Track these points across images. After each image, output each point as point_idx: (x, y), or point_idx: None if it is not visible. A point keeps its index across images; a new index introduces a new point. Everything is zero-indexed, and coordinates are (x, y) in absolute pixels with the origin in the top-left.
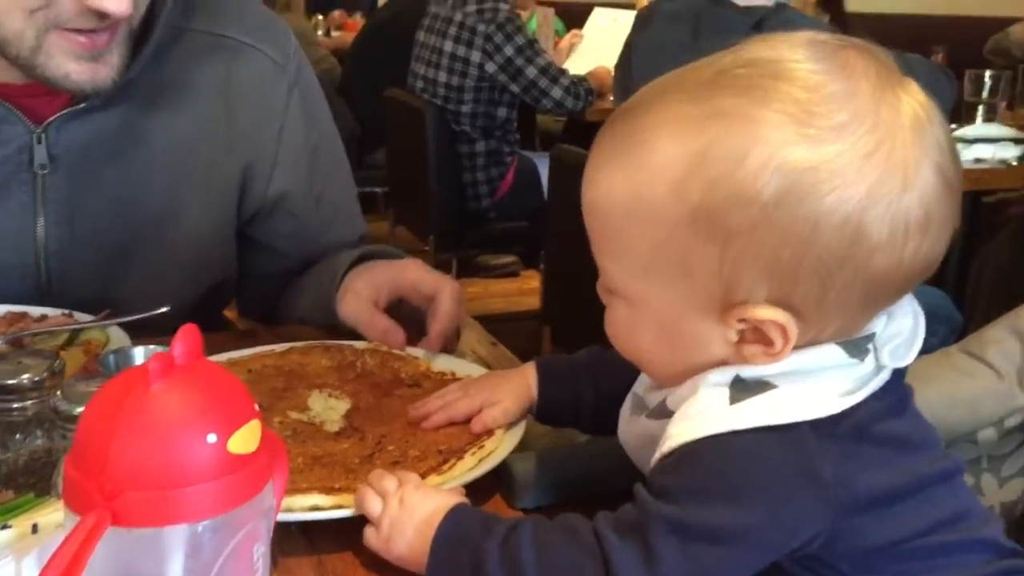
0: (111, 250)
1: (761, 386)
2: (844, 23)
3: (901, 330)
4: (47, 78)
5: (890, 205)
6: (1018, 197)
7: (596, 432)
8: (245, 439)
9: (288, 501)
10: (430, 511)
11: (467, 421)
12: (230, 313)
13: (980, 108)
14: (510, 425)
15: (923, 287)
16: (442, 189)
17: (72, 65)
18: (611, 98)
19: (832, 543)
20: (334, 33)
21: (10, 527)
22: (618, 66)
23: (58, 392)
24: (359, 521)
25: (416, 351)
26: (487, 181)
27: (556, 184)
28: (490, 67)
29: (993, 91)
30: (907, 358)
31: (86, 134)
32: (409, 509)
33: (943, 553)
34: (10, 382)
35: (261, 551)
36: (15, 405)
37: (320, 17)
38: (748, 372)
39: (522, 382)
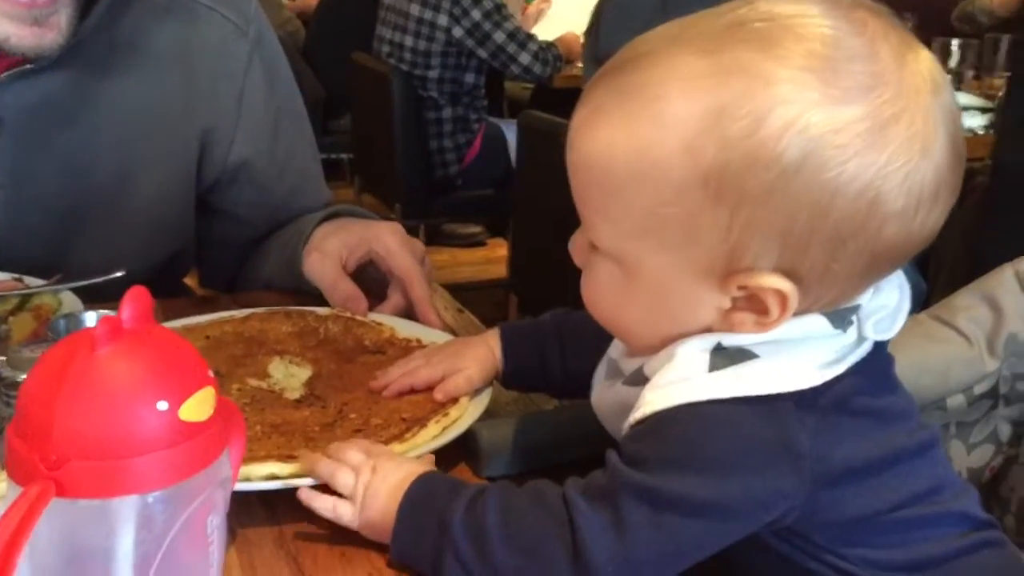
0: (62, 215)
1: (742, 355)
2: None
3: (887, 303)
4: None
5: (908, 175)
6: (983, 167)
7: (566, 394)
8: (198, 406)
9: (245, 470)
10: (403, 477)
11: (431, 389)
12: (191, 281)
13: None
14: (475, 393)
15: None
16: (408, 156)
17: (12, 28)
18: (580, 64)
19: (808, 516)
20: None
21: None
22: (587, 32)
23: (2, 358)
24: (319, 491)
25: (380, 317)
26: (454, 148)
27: (524, 151)
28: (457, 31)
29: (961, 60)
30: (890, 331)
31: (34, 95)
32: (382, 475)
33: (919, 526)
34: None
35: (216, 522)
36: None
37: None
38: (730, 340)
39: (486, 349)
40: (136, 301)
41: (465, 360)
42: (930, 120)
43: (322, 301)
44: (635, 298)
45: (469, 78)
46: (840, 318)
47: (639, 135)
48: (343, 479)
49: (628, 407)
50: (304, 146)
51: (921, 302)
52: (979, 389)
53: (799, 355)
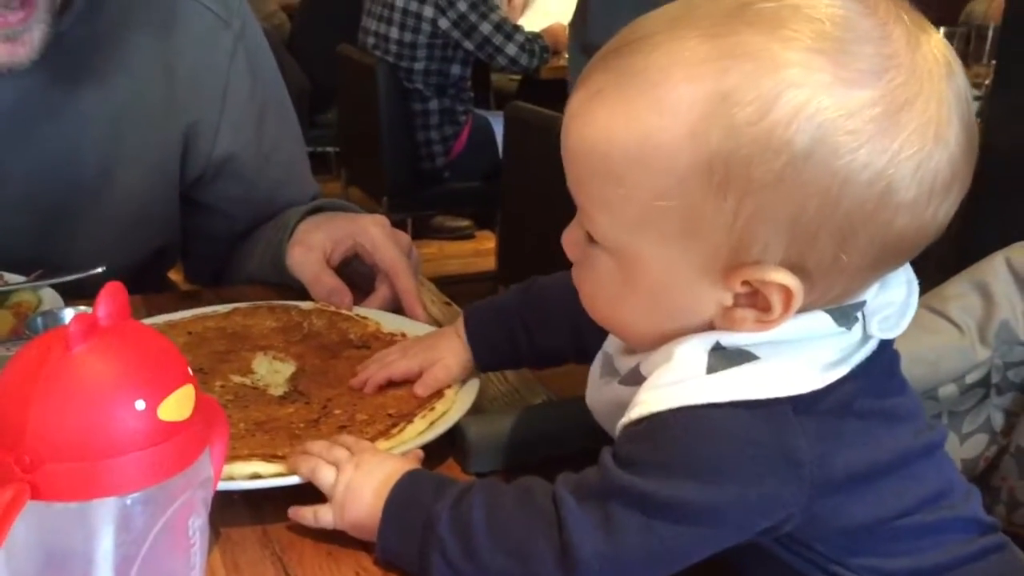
0: (45, 211)
1: (742, 356)
2: None
3: (893, 300)
4: None
5: (921, 163)
6: None
7: (542, 365)
8: (177, 405)
9: (228, 469)
10: (388, 473)
11: (411, 382)
12: (176, 276)
13: None
14: (461, 384)
15: None
16: (395, 148)
17: None
18: (566, 55)
19: (809, 523)
20: None
21: None
22: (573, 22)
23: None
24: (304, 490)
25: (365, 311)
26: (441, 140)
27: (511, 143)
28: (443, 23)
29: None
30: (897, 329)
31: (14, 93)
32: (366, 471)
33: (927, 533)
34: None
35: (198, 523)
36: None
37: None
38: (729, 339)
39: (457, 338)
40: (112, 297)
41: (440, 351)
42: (944, 106)
43: (307, 295)
44: (634, 293)
45: (455, 70)
46: (845, 315)
47: (639, 121)
48: (324, 476)
49: (624, 406)
50: (290, 139)
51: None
52: (971, 378)
53: (800, 356)
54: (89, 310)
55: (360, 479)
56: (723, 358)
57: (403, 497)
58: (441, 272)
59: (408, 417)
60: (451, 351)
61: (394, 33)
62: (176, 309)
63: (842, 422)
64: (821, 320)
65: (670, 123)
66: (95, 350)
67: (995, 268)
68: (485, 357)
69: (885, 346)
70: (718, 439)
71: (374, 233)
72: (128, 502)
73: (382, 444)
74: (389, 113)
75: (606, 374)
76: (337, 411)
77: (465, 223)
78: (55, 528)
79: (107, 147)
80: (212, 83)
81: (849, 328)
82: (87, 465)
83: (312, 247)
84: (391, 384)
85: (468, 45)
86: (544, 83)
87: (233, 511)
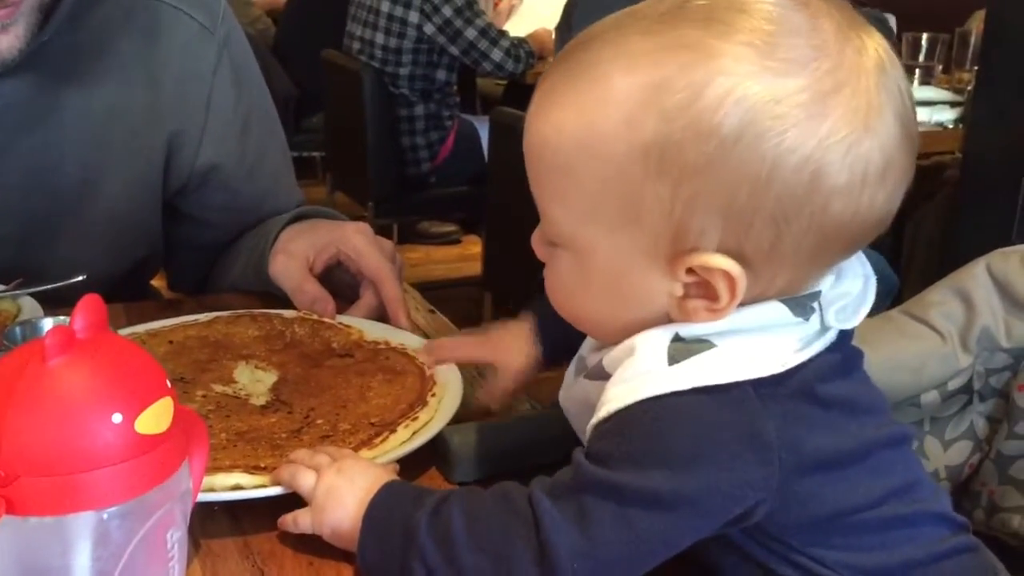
0: (26, 220)
1: (701, 345)
2: None
3: (850, 291)
4: None
5: (850, 148)
6: (953, 160)
7: None
8: (155, 418)
9: (209, 480)
10: (371, 481)
11: (407, 388)
12: (159, 283)
13: (916, 71)
14: (443, 396)
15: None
16: (381, 154)
17: None
18: (552, 60)
19: (781, 512)
20: None
21: None
22: (559, 27)
23: None
24: (286, 501)
25: (348, 319)
26: (427, 145)
27: (497, 148)
28: (428, 28)
29: (929, 54)
30: (854, 320)
31: None
32: (349, 478)
33: (898, 525)
34: None
35: (176, 536)
36: None
37: None
38: (688, 331)
39: (525, 341)
40: (90, 309)
41: (510, 352)
42: (874, 96)
43: (290, 304)
44: (591, 287)
45: (441, 75)
46: (800, 306)
47: (585, 113)
48: (304, 479)
49: (590, 403)
50: (275, 148)
51: (893, 296)
52: (953, 385)
53: (760, 343)
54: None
55: (342, 485)
56: (683, 348)
57: (382, 507)
58: (427, 277)
59: (391, 426)
60: (518, 351)
61: (379, 38)
62: (158, 317)
63: (806, 408)
64: (777, 309)
65: (610, 112)
66: (72, 363)
67: (976, 275)
68: (551, 356)
69: (845, 339)
70: (684, 426)
71: (357, 241)
72: (105, 516)
73: (365, 453)
74: (375, 118)
75: (577, 373)
76: (319, 420)
77: (451, 228)
78: (31, 543)
79: (90, 156)
80: (196, 92)
81: (807, 318)
82: (63, 479)
83: (294, 255)
84: (375, 392)
85: (453, 50)
86: (530, 88)
87: (213, 523)
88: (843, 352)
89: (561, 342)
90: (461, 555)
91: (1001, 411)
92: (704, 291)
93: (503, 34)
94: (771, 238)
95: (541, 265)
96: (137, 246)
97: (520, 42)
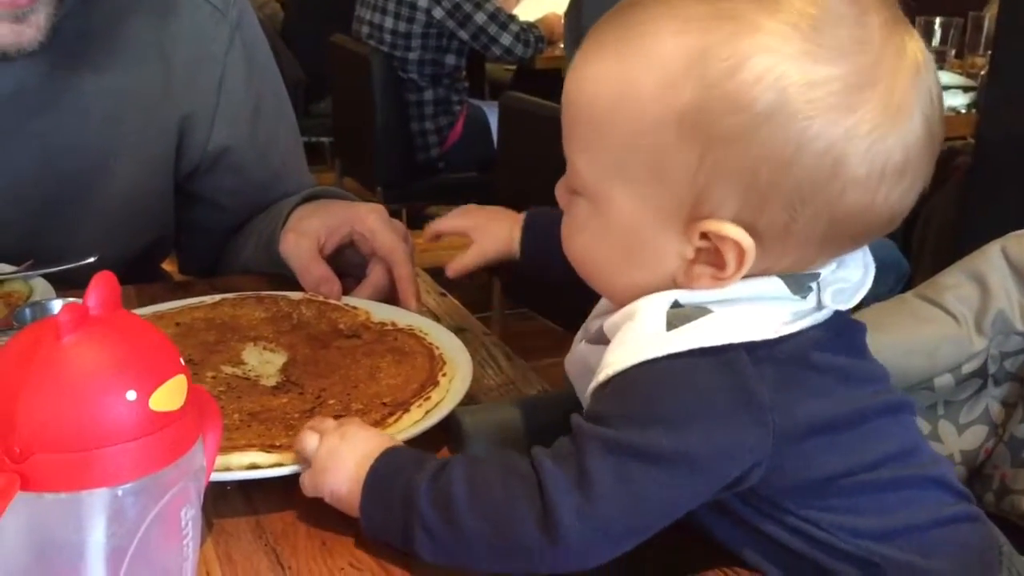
0: (39, 202)
1: (698, 312)
2: None
3: (849, 277)
4: None
5: (875, 143)
6: (965, 145)
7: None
8: (169, 395)
9: (225, 459)
10: (373, 447)
11: (417, 368)
12: (170, 266)
13: None
14: (454, 376)
15: None
16: (389, 139)
17: None
18: (561, 45)
19: (775, 474)
20: None
21: None
22: (568, 12)
23: None
24: (299, 480)
25: (354, 300)
26: (436, 131)
27: (506, 133)
28: (437, 12)
29: (943, 39)
30: (850, 302)
31: (9, 84)
32: (351, 442)
33: (892, 488)
34: None
35: (191, 514)
36: None
37: None
38: (687, 297)
39: (507, 233)
40: (103, 287)
41: (486, 234)
42: (907, 96)
43: (300, 286)
44: (606, 239)
45: (450, 60)
46: (798, 283)
47: (626, 69)
48: (307, 442)
49: (590, 367)
50: (286, 131)
51: (903, 283)
52: (967, 368)
53: (754, 311)
54: (80, 301)
55: (344, 448)
56: (681, 315)
57: (383, 472)
58: (436, 263)
59: (404, 406)
60: (495, 241)
61: (388, 23)
62: (168, 299)
63: (800, 373)
64: (774, 284)
65: (652, 72)
66: (85, 340)
67: (991, 258)
68: (528, 265)
69: (841, 318)
70: (681, 387)
71: (371, 220)
72: (120, 493)
73: None
74: (384, 103)
75: (580, 339)
76: (331, 401)
77: None
78: (46, 519)
79: (102, 138)
80: (208, 74)
81: (803, 297)
82: (78, 456)
83: (305, 234)
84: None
85: (463, 35)
86: (539, 73)
87: (226, 502)
88: (842, 325)
89: (541, 253)
90: (462, 518)
91: (1016, 395)
92: (713, 258)
93: (512, 19)
94: (785, 218)
95: None
96: (149, 229)
97: (530, 27)
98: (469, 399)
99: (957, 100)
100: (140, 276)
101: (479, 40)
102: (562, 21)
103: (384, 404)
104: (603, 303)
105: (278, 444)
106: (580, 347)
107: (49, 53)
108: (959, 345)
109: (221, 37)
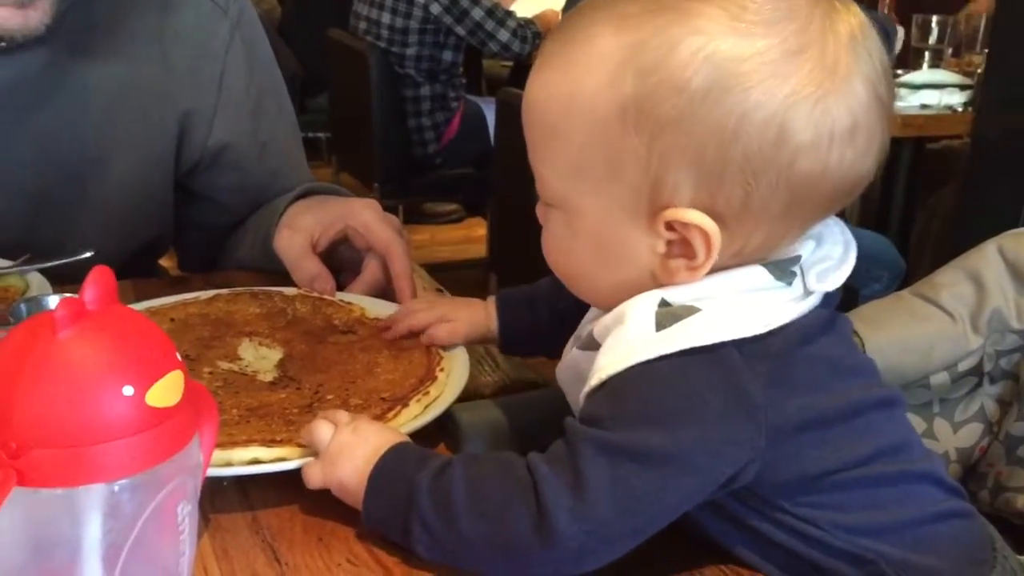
0: (37, 197)
1: (686, 311)
2: None
3: (830, 255)
4: None
5: (815, 105)
6: (962, 144)
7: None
8: (166, 391)
9: (226, 455)
10: (383, 442)
11: (414, 364)
12: (168, 263)
13: (926, 54)
14: (451, 371)
15: (866, 232)
16: (386, 134)
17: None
18: None
19: (768, 471)
20: None
21: None
22: (565, 8)
23: None
24: (296, 476)
25: (348, 296)
26: (433, 126)
27: (503, 129)
28: (435, 8)
29: (940, 37)
30: (835, 282)
31: (8, 75)
32: (363, 436)
33: (885, 483)
34: None
35: (187, 510)
36: None
37: None
38: (673, 295)
39: (481, 310)
40: (99, 281)
41: (459, 314)
42: (842, 59)
43: (293, 282)
44: (580, 246)
45: (447, 56)
46: (781, 269)
47: (571, 74)
48: (321, 432)
49: (581, 373)
50: (286, 128)
51: (899, 280)
52: (963, 366)
53: (743, 305)
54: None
55: (356, 442)
56: (669, 314)
57: (388, 467)
58: (432, 259)
59: (403, 401)
60: (468, 319)
61: (385, 18)
62: (165, 294)
63: (791, 366)
64: (758, 273)
65: (594, 72)
66: (82, 335)
67: (987, 256)
68: (510, 336)
69: (829, 304)
70: (672, 387)
71: (366, 215)
72: (116, 489)
73: None
74: (380, 99)
75: (572, 345)
76: (330, 396)
77: (452, 207)
78: (42, 515)
79: (100, 134)
80: (208, 71)
81: (789, 283)
82: (74, 451)
83: (299, 230)
84: (383, 367)
85: (460, 31)
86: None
87: (223, 497)
88: (827, 316)
89: (515, 334)
90: (460, 518)
91: (1011, 393)
92: (684, 249)
93: (510, 14)
94: (741, 194)
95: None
96: (147, 225)
97: (527, 23)
98: (466, 396)
99: (954, 98)
100: (137, 273)
101: (476, 36)
102: (559, 17)
103: (383, 399)
104: (593, 310)
105: (278, 439)
106: (572, 353)
107: (49, 45)
108: (955, 343)
109: (221, 34)
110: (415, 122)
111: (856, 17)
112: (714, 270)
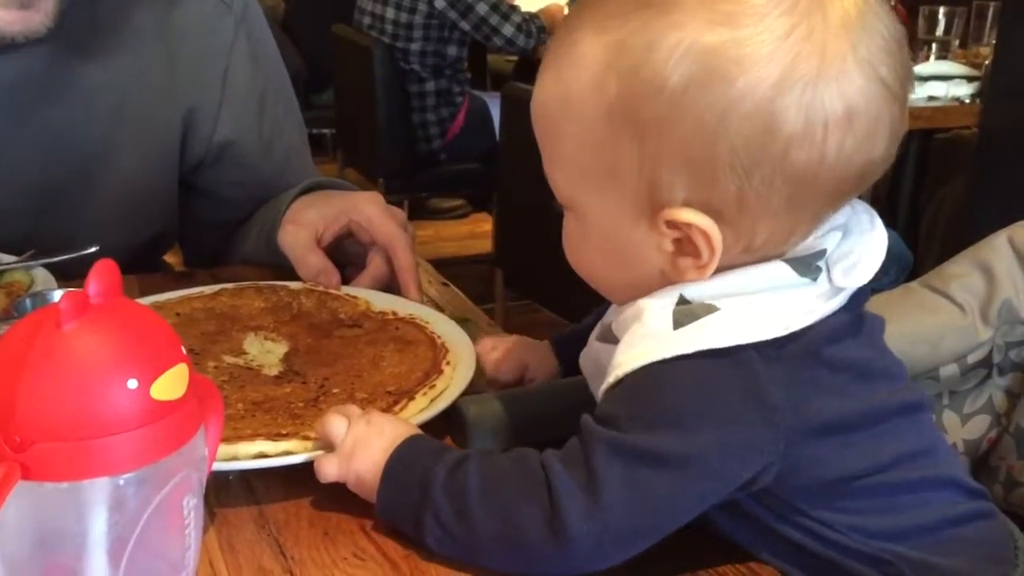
0: (42, 193)
1: (705, 309)
2: None
3: (856, 247)
4: None
5: (804, 92)
6: (970, 135)
7: None
8: (170, 384)
9: (232, 449)
10: (398, 433)
11: (420, 357)
12: (173, 259)
13: (933, 45)
14: (457, 364)
15: None
16: (391, 130)
17: (1, 12)
18: None
19: (787, 475)
20: None
21: None
22: (570, 3)
23: None
24: (301, 469)
25: (353, 290)
26: (437, 122)
27: (508, 124)
28: (439, 3)
29: (947, 28)
30: (862, 276)
31: (13, 72)
32: (378, 428)
33: (906, 490)
34: None
35: (192, 503)
36: None
37: None
38: (692, 292)
39: (547, 353)
40: (103, 275)
41: (533, 360)
42: (833, 43)
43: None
44: (592, 245)
45: (452, 51)
46: (805, 265)
47: (563, 79)
48: (336, 424)
49: (601, 365)
50: (291, 124)
51: (907, 273)
52: (973, 358)
53: (765, 305)
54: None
55: (371, 434)
56: (688, 312)
57: (403, 459)
58: (437, 255)
59: (409, 394)
60: (541, 363)
61: (390, 13)
62: (170, 289)
63: (812, 371)
64: (779, 270)
65: (581, 75)
66: (86, 328)
67: (997, 247)
68: (571, 364)
69: (858, 303)
70: (690, 389)
71: (369, 209)
72: (121, 482)
73: None
74: (385, 94)
75: (596, 335)
76: (335, 390)
77: (458, 203)
78: (47, 509)
79: (107, 130)
80: (213, 67)
81: (814, 279)
82: (79, 445)
83: (304, 224)
84: (388, 361)
85: (464, 25)
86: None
87: (228, 492)
88: (856, 316)
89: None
90: (473, 512)
91: (1020, 385)
92: (689, 248)
93: (514, 9)
94: (735, 190)
95: (552, 242)
96: (153, 221)
97: (531, 17)
98: (472, 389)
99: (962, 90)
100: (142, 268)
101: (481, 31)
102: (564, 12)
103: (389, 392)
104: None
105: (284, 433)
106: (593, 345)
107: (54, 41)
108: (965, 335)
109: (226, 30)
110: (420, 117)
111: (851, 3)
112: (733, 267)
